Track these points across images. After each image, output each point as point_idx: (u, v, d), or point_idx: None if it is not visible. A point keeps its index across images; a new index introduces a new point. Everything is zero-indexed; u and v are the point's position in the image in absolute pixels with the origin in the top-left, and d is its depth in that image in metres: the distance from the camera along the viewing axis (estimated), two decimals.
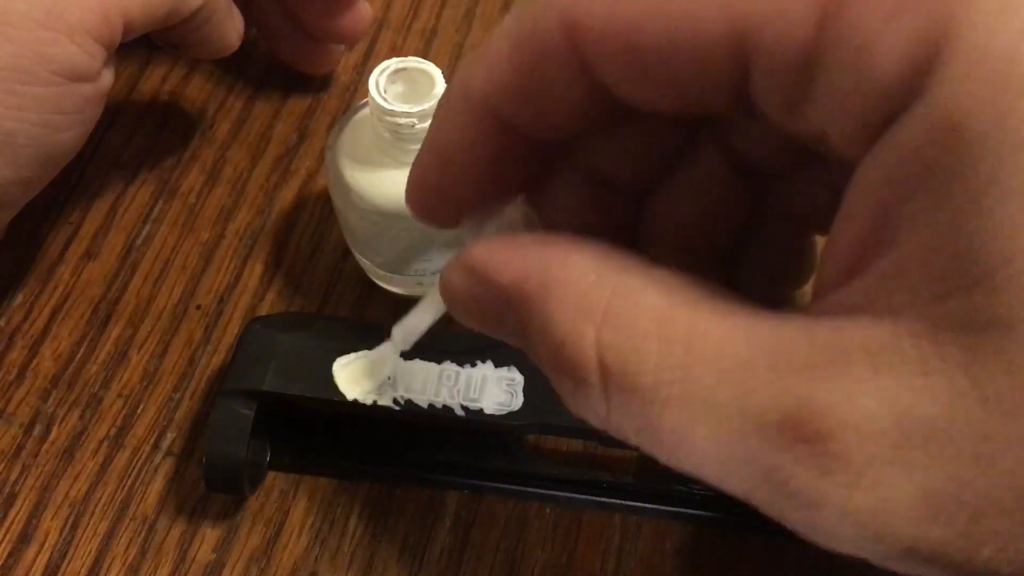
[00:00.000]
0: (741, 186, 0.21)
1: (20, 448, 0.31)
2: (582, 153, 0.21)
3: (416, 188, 0.21)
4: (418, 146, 0.27)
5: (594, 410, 0.17)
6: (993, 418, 0.13)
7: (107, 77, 0.29)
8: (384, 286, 0.33)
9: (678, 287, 0.16)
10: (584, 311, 0.16)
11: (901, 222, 0.14)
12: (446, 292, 0.20)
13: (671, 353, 0.15)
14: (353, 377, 0.28)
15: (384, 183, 0.28)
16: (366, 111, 0.29)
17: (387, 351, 0.27)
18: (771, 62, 0.15)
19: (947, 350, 0.13)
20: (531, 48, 0.18)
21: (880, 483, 0.14)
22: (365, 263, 0.32)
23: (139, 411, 0.32)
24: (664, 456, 0.16)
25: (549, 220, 0.21)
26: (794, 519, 0.15)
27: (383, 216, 0.29)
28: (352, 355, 0.28)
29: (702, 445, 0.15)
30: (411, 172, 0.21)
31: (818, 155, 0.18)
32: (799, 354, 0.14)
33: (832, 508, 0.14)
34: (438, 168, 0.21)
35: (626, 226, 0.22)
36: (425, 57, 0.30)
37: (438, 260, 0.31)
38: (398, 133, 0.27)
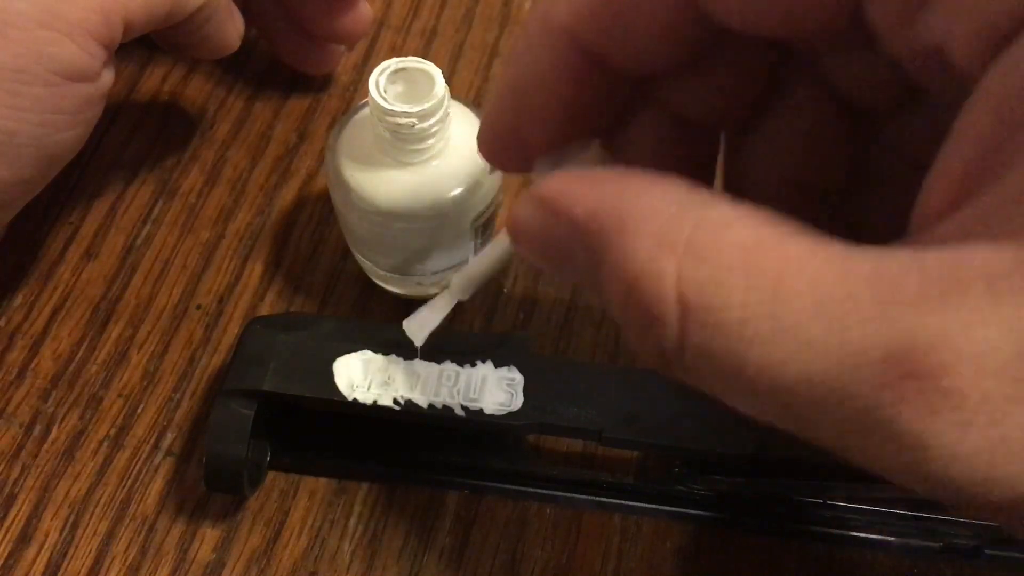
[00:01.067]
0: (843, 127, 0.20)
1: (20, 448, 0.31)
2: (666, 90, 0.20)
3: (489, 128, 0.20)
4: (418, 146, 0.28)
5: (667, 353, 0.15)
6: None
7: (107, 77, 0.29)
8: (384, 286, 0.33)
9: (767, 222, 0.15)
10: (664, 244, 0.15)
11: (1022, 142, 0.13)
12: (514, 226, 0.19)
13: (759, 287, 0.14)
14: (418, 324, 0.27)
15: (384, 183, 0.28)
16: (366, 111, 0.29)
17: (444, 299, 0.27)
18: None
19: None
20: None
21: (998, 421, 0.13)
22: (365, 263, 0.32)
23: (139, 411, 0.32)
24: (746, 400, 0.15)
25: (626, 164, 0.19)
26: (893, 466, 0.14)
27: (383, 216, 0.29)
28: (355, 354, 0.28)
29: (792, 384, 0.14)
30: (485, 113, 0.20)
31: (923, 91, 0.16)
32: (908, 285, 0.13)
33: (941, 450, 0.13)
34: (513, 106, 0.20)
35: (710, 173, 0.21)
36: (425, 57, 0.30)
37: (438, 260, 0.31)
38: (398, 133, 0.27)
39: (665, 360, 0.16)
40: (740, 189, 0.20)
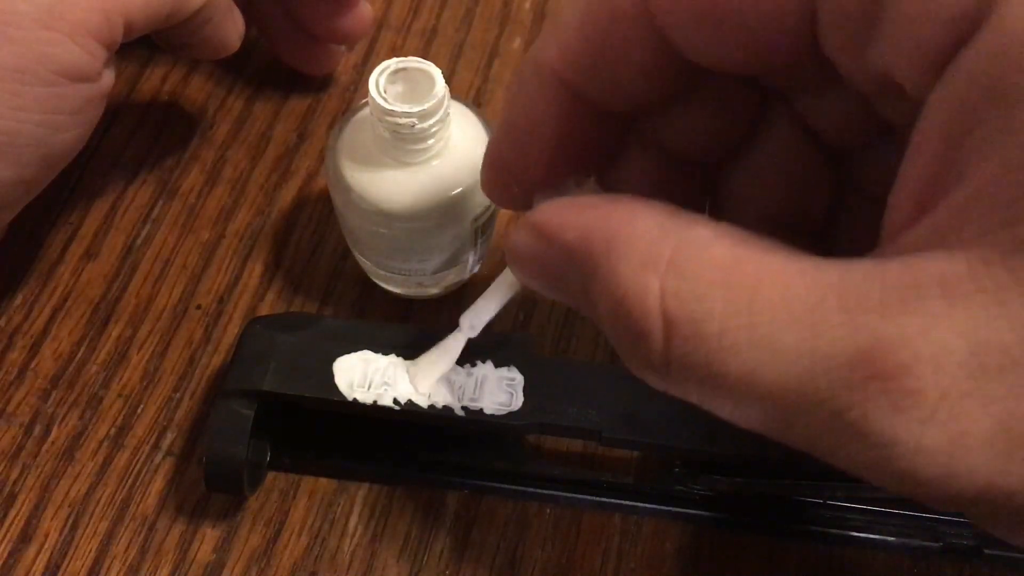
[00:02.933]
0: (819, 163, 0.21)
1: (20, 448, 0.31)
2: (653, 128, 0.21)
3: (490, 168, 0.22)
4: (418, 146, 0.28)
5: (654, 365, 0.16)
6: None
7: (108, 77, 0.29)
8: (384, 286, 0.33)
9: (744, 240, 0.16)
10: (648, 263, 0.16)
11: (971, 153, 0.14)
12: (510, 252, 0.20)
13: (736, 300, 0.15)
14: (421, 371, 0.28)
15: (384, 183, 0.28)
16: (366, 111, 0.29)
17: (454, 341, 0.27)
18: (837, 1, 0.15)
19: (1021, 275, 0.13)
20: (602, 14, 0.18)
21: (956, 417, 0.14)
22: (365, 263, 0.32)
23: (139, 411, 0.32)
24: (727, 408, 0.16)
25: None
26: (864, 462, 0.15)
27: (383, 216, 0.29)
28: (355, 354, 0.28)
29: (768, 391, 0.15)
30: (485, 153, 0.21)
31: (890, 125, 0.17)
32: (871, 293, 0.14)
33: (905, 446, 0.14)
34: (511, 145, 0.21)
35: (700, 206, 0.22)
36: (425, 57, 0.30)
37: (438, 261, 0.31)
38: (398, 133, 0.27)
39: (653, 372, 0.17)
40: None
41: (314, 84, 0.39)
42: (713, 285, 0.15)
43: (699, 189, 0.22)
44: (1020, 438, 0.13)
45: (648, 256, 0.16)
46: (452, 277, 0.32)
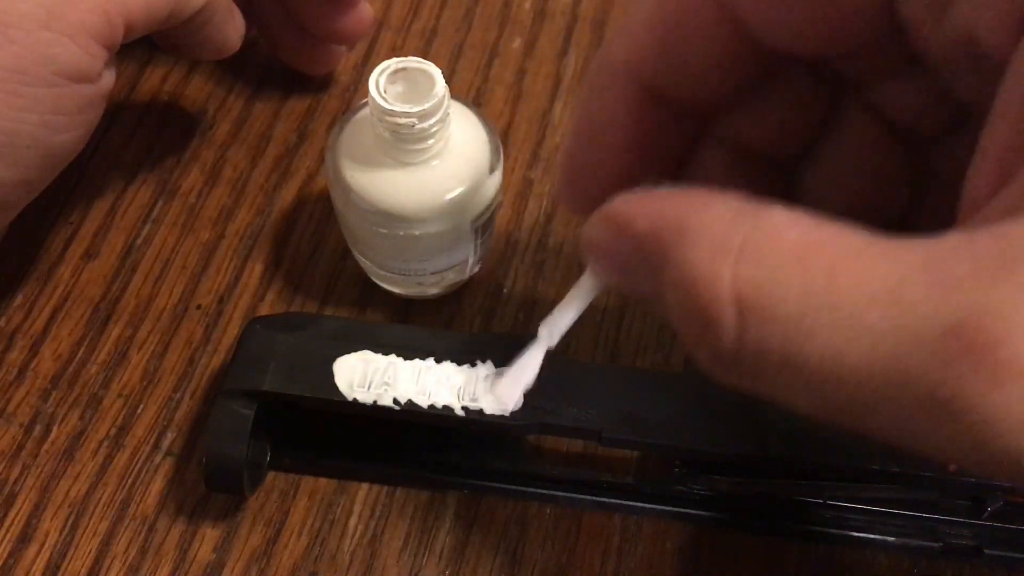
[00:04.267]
0: (897, 153, 0.20)
1: (20, 448, 0.31)
2: (726, 125, 0.21)
3: (565, 174, 0.21)
4: (418, 146, 0.28)
5: (724, 355, 0.16)
6: None
7: (108, 78, 0.29)
8: (384, 286, 0.33)
9: (819, 225, 0.16)
10: (720, 250, 0.16)
11: None
12: (585, 246, 0.19)
13: (815, 281, 0.15)
14: (505, 387, 0.27)
15: (384, 183, 0.28)
16: (366, 111, 0.29)
17: (535, 351, 0.26)
18: None
19: None
20: (672, 4, 0.18)
21: None
22: (365, 263, 0.33)
23: (139, 411, 0.32)
24: (804, 396, 0.15)
25: None
26: (956, 445, 0.14)
27: (383, 216, 0.29)
28: (355, 354, 0.28)
29: (852, 373, 0.14)
30: (559, 161, 0.21)
31: (967, 109, 0.17)
32: (959, 266, 0.14)
33: (1004, 424, 0.13)
34: (585, 149, 0.21)
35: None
36: (425, 57, 0.30)
37: (438, 260, 0.31)
38: (398, 133, 0.27)
39: (723, 364, 0.16)
40: None
41: (314, 84, 0.39)
42: (789, 269, 0.15)
43: (774, 189, 0.22)
44: None
45: (720, 242, 0.16)
46: (452, 277, 0.32)
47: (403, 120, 0.27)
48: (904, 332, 0.14)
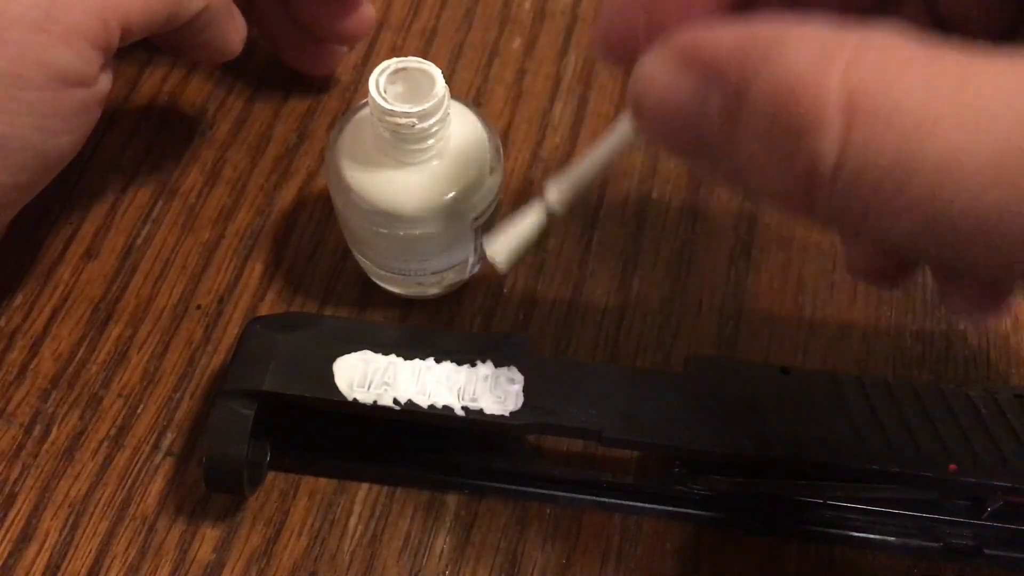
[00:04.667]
0: None
1: (20, 448, 0.31)
2: None
3: (607, 17, 0.20)
4: (418, 146, 0.28)
5: (821, 163, 0.15)
6: None
7: (104, 82, 0.29)
8: (384, 286, 0.33)
9: (934, 39, 0.15)
10: (826, 56, 0.15)
11: None
12: (638, 92, 0.18)
13: (939, 85, 0.14)
14: (502, 243, 0.25)
15: (384, 183, 0.28)
16: (366, 111, 0.29)
17: (535, 209, 0.24)
18: None
19: None
20: None
21: None
22: (365, 263, 0.33)
23: (139, 411, 0.32)
24: (907, 211, 0.15)
25: None
26: None
27: (383, 216, 0.29)
28: (355, 354, 0.28)
29: (976, 172, 0.14)
30: (600, 4, 0.19)
31: None
32: None
33: None
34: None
35: None
36: (425, 57, 0.30)
37: (438, 260, 0.31)
38: (398, 133, 0.27)
39: (812, 183, 0.15)
40: None
41: (314, 84, 0.39)
42: (908, 71, 0.14)
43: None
44: None
45: (826, 48, 0.15)
46: (452, 277, 0.32)
47: (403, 120, 0.27)
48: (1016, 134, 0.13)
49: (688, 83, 0.17)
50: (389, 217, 0.29)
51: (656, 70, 0.17)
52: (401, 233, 0.29)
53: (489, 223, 0.31)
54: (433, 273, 0.31)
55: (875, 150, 0.14)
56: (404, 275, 0.32)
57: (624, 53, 0.19)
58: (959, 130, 0.14)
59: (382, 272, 0.32)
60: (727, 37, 0.16)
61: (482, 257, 0.33)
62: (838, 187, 0.15)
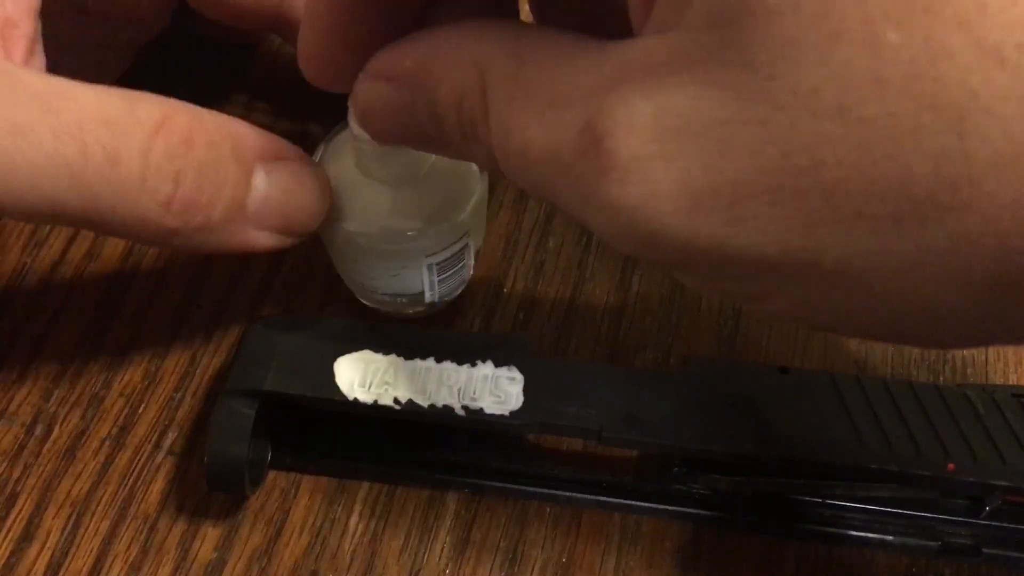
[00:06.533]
0: None
1: (22, 447, 0.31)
2: None
3: (303, 55, 0.23)
4: (396, 170, 0.27)
5: (489, 145, 0.19)
6: (730, 104, 0.14)
7: None
8: (365, 302, 0.33)
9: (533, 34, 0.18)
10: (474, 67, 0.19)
11: None
12: (357, 106, 0.22)
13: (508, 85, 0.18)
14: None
15: (361, 205, 0.28)
16: (346, 132, 0.29)
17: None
18: None
19: (711, 49, 0.15)
20: None
21: (645, 178, 0.15)
22: (355, 285, 0.32)
23: (140, 410, 0.32)
24: (511, 172, 0.19)
25: None
26: (594, 224, 0.17)
27: (363, 238, 0.28)
28: (355, 354, 0.28)
29: (534, 162, 0.17)
30: (299, 43, 0.23)
31: None
32: (603, 73, 0.16)
33: (612, 207, 0.16)
34: (314, 32, 0.23)
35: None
36: None
37: (386, 283, 0.30)
38: (375, 155, 0.27)
39: (496, 167, 0.19)
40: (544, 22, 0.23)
41: (311, 89, 0.39)
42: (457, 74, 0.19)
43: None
44: (701, 194, 0.15)
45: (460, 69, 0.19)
46: (407, 304, 0.32)
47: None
48: (563, 126, 0.17)
49: (394, 95, 0.21)
50: (371, 239, 0.28)
51: (369, 89, 0.22)
52: (383, 253, 0.28)
53: (471, 243, 0.30)
54: (386, 294, 0.31)
55: (497, 122, 0.18)
56: (389, 296, 0.31)
57: (331, 81, 0.23)
58: (526, 127, 0.18)
59: (369, 293, 0.32)
60: (411, 54, 0.20)
61: (443, 294, 0.32)
62: (511, 163, 0.19)
